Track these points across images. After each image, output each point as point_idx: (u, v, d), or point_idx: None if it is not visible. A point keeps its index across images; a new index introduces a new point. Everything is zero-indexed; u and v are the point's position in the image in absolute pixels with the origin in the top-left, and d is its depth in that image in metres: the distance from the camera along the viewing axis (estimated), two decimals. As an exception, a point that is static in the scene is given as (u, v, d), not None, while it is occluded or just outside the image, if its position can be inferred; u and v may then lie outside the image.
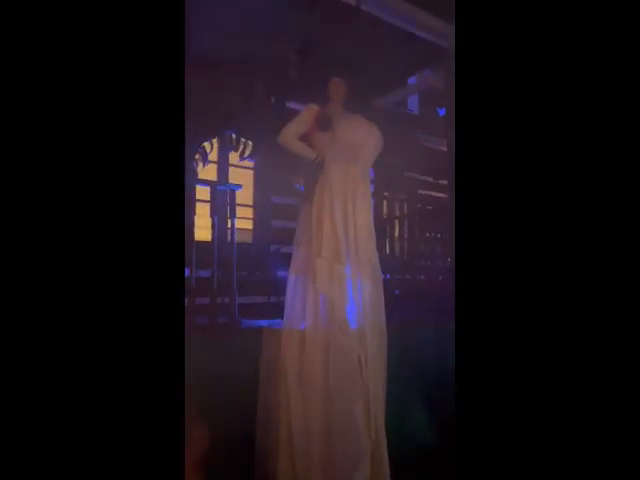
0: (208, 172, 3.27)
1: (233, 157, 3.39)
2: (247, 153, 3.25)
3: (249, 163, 3.40)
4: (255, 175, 3.54)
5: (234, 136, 3.11)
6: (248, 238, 3.43)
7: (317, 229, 1.89)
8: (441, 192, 4.14)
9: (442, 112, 3.71)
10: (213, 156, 3.34)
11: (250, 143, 3.19)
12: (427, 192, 4.15)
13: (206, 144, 2.97)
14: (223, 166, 3.41)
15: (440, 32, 2.78)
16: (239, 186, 2.30)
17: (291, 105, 2.93)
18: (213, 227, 2.17)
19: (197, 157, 2.98)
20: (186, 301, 1.97)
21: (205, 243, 2.25)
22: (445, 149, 3.18)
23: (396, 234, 3.06)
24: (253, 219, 3.53)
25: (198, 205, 2.17)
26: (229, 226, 2.22)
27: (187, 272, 2.01)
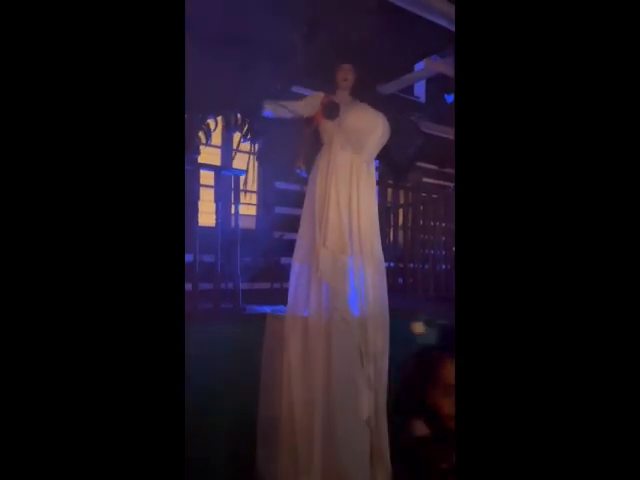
0: (212, 157, 3.24)
1: (237, 143, 3.36)
2: (250, 135, 3.21)
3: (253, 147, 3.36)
4: (258, 160, 3.50)
5: (239, 115, 3.07)
6: (251, 224, 3.42)
7: (321, 218, 1.88)
8: (447, 181, 4.11)
9: (450, 99, 3.66)
10: (217, 140, 3.31)
11: (254, 124, 3.15)
12: (432, 180, 4.12)
13: (210, 121, 2.93)
14: (227, 151, 3.38)
15: (450, 16, 2.72)
16: (243, 171, 2.28)
17: (298, 90, 2.89)
18: (217, 212, 2.16)
19: (200, 134, 2.95)
20: (190, 286, 1.97)
21: (209, 228, 2.24)
22: (452, 137, 3.14)
23: (400, 223, 3.05)
24: (256, 205, 3.52)
25: (202, 190, 2.15)
26: (233, 212, 2.22)
27: (191, 258, 2.01)
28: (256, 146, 2.49)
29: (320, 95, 1.99)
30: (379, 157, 2.09)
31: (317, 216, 1.90)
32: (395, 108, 2.19)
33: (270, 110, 2.01)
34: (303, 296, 1.90)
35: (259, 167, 3.51)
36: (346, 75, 1.99)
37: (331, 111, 1.94)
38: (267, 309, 2.08)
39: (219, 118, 3.06)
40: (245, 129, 3.17)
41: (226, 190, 2.18)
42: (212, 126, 3.07)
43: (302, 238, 1.97)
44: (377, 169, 2.10)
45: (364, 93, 2.03)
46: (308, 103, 2.01)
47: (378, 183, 2.17)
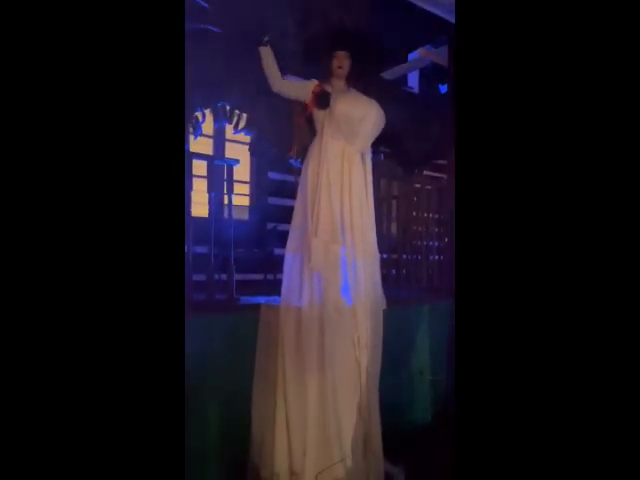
0: (204, 147, 3.21)
1: (229, 132, 3.32)
2: (241, 126, 3.18)
3: (245, 138, 3.33)
4: (251, 150, 3.48)
5: (228, 108, 3.03)
6: (244, 215, 3.40)
7: (313, 208, 1.87)
8: (440, 172, 4.11)
9: (444, 89, 3.65)
10: (209, 130, 3.27)
11: (245, 115, 3.12)
12: (426, 172, 4.12)
13: (198, 114, 2.89)
14: (219, 140, 3.34)
15: (445, 5, 2.70)
16: (237, 161, 2.25)
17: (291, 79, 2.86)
18: (210, 203, 2.14)
19: (189, 128, 2.91)
20: (183, 277, 1.95)
21: (202, 219, 2.22)
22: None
23: (393, 214, 3.05)
24: (249, 196, 3.49)
25: (194, 180, 2.13)
26: (226, 202, 2.19)
27: (185, 248, 1.99)
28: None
29: (314, 83, 1.97)
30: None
31: (309, 206, 1.89)
32: (390, 97, 2.17)
33: (263, 55, 1.93)
34: (296, 287, 1.90)
35: (252, 157, 3.48)
36: (341, 62, 1.96)
37: (321, 100, 1.91)
38: (261, 300, 2.08)
39: (207, 111, 3.02)
40: (235, 120, 3.14)
41: (219, 180, 2.16)
42: (200, 118, 3.03)
43: (295, 229, 1.96)
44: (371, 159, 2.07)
45: (365, 81, 2.00)
46: (301, 88, 1.97)
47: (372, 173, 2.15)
